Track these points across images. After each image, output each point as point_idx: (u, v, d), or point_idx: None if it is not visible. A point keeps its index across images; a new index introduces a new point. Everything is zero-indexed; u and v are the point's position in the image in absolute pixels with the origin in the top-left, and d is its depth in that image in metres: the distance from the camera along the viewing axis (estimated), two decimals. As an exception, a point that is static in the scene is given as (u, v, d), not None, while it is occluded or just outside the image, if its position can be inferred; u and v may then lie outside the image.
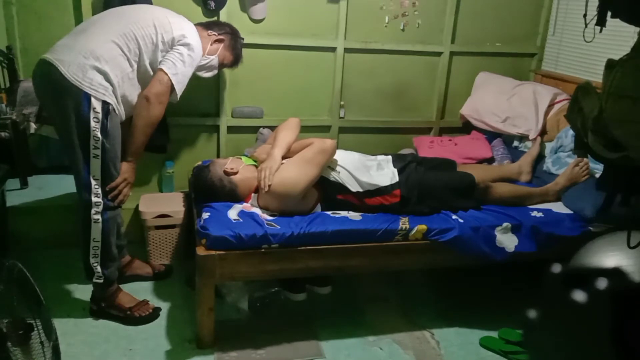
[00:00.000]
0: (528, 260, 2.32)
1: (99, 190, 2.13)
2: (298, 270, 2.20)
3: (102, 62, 2.05)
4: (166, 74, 2.17)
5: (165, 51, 2.20)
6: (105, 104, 2.06)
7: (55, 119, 2.18)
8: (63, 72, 2.01)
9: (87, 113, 2.03)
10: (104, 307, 2.31)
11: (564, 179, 2.57)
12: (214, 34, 2.43)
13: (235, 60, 2.56)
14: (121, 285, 2.39)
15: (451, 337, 2.35)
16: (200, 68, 2.42)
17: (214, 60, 2.45)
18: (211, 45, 2.42)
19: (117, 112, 2.13)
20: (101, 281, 2.24)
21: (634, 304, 1.15)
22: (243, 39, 2.60)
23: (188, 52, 2.21)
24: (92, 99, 2.03)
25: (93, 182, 2.11)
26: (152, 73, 2.20)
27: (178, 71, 2.19)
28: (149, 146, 2.52)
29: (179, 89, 2.23)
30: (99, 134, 2.05)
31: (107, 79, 2.06)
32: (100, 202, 2.14)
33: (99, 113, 2.04)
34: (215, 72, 2.54)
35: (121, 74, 2.11)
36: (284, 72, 2.99)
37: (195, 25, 2.36)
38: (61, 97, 2.05)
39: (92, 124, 2.04)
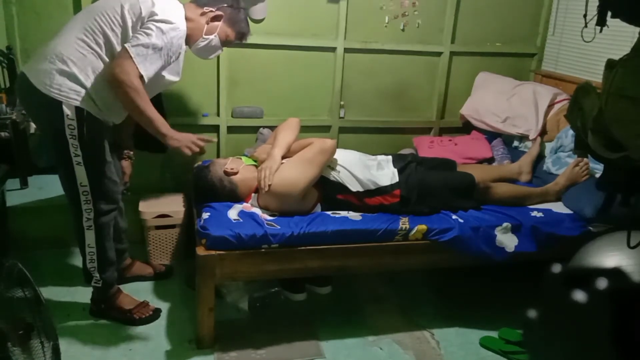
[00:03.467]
0: (528, 260, 2.32)
1: (89, 197, 2.06)
2: (298, 270, 2.20)
3: (70, 64, 1.92)
4: (125, 48, 1.91)
5: None
6: (78, 110, 1.94)
7: (39, 129, 2.11)
8: (33, 82, 1.93)
9: (60, 121, 1.93)
10: (104, 308, 2.30)
11: (564, 178, 2.57)
12: (210, 10, 2.17)
13: (240, 35, 2.28)
14: (122, 285, 2.39)
15: (451, 337, 2.35)
16: (201, 51, 2.24)
17: (214, 40, 2.20)
18: (208, 24, 2.18)
19: (94, 115, 1.99)
20: (99, 285, 2.23)
21: (634, 304, 1.15)
22: (245, 8, 2.36)
23: (157, 25, 1.94)
24: (64, 106, 1.92)
25: (81, 189, 2.05)
26: None
27: (140, 42, 1.91)
28: (150, 146, 2.53)
29: (140, 62, 1.90)
30: (76, 142, 1.96)
31: (77, 81, 1.93)
32: (90, 208, 2.08)
33: (73, 120, 1.93)
34: (220, 51, 2.30)
35: (93, 73, 1.95)
36: (284, 72, 2.99)
37: (187, 3, 2.18)
38: (36, 107, 2.00)
39: (68, 131, 1.94)
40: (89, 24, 1.96)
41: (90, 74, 1.96)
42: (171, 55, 2.02)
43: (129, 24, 1.96)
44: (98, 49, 1.96)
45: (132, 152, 2.46)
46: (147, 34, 1.92)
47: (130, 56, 1.89)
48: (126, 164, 2.44)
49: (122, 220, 2.42)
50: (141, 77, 1.92)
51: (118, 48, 1.96)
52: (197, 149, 2.10)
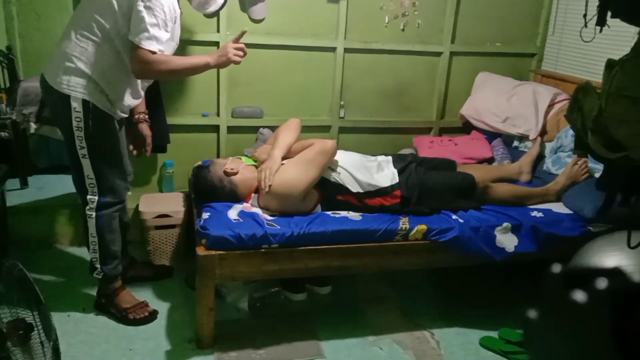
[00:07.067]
0: (528, 260, 2.32)
1: (95, 189, 2.14)
2: (298, 270, 2.20)
3: (74, 60, 2.00)
4: (133, 42, 1.96)
5: (128, 20, 1.98)
6: (85, 103, 2.01)
7: (58, 126, 2.22)
8: (47, 80, 2.04)
9: (68, 114, 2.02)
10: (104, 303, 2.33)
11: (564, 177, 2.57)
12: None
13: None
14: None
15: (451, 337, 2.35)
16: (199, 6, 2.26)
17: None
18: None
19: (102, 108, 2.05)
20: (100, 277, 2.27)
21: (634, 304, 1.15)
22: None
23: (145, 4, 1.94)
24: (72, 100, 2.00)
25: (87, 181, 2.12)
26: (121, 49, 2.04)
27: (139, 29, 1.94)
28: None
29: (149, 45, 1.95)
30: (81, 134, 2.04)
31: (83, 75, 2.01)
32: (94, 199, 2.15)
33: (79, 112, 2.01)
34: (220, 2, 2.34)
35: (96, 63, 2.01)
36: (284, 72, 2.99)
37: None
38: (52, 104, 2.12)
39: (74, 123, 2.02)
40: (83, 16, 2.02)
41: (94, 65, 2.02)
42: (168, 23, 2.03)
43: (115, 5, 1.97)
44: (95, 38, 2.01)
45: (146, 115, 2.46)
46: (141, 18, 1.94)
47: (139, 46, 1.96)
48: (144, 127, 2.46)
49: (125, 216, 2.43)
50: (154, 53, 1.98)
51: (112, 32, 2.00)
52: (242, 54, 2.14)
